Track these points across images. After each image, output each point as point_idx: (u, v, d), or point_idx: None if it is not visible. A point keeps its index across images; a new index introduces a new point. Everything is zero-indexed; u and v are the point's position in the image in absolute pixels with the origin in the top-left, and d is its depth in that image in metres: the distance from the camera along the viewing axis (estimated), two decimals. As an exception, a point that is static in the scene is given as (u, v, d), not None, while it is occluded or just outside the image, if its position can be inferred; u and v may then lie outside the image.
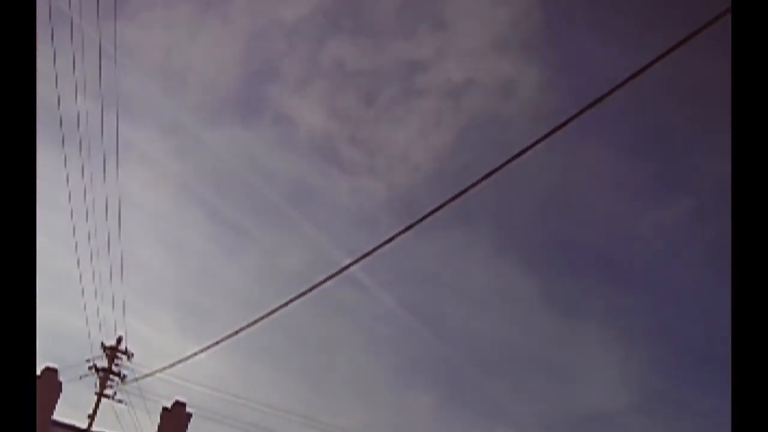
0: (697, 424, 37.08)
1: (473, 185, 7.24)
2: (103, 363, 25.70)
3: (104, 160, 19.27)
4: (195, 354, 13.63)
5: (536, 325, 39.78)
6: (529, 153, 7.79)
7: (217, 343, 12.38)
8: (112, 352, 25.67)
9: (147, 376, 25.04)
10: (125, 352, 25.81)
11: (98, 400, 25.34)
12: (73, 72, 15.40)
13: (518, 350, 39.32)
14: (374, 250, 8.04)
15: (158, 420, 24.93)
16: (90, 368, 25.49)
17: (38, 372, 23.84)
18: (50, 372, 24.39)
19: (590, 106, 6.28)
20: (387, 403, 39.06)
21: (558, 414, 37.34)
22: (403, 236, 8.43)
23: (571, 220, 39.86)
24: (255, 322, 10.95)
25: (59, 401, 24.78)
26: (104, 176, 19.87)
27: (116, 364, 25.73)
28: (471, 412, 39.08)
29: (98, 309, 24.19)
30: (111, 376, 25.56)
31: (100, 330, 25.21)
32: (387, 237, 7.77)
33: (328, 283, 10.22)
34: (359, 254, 8.79)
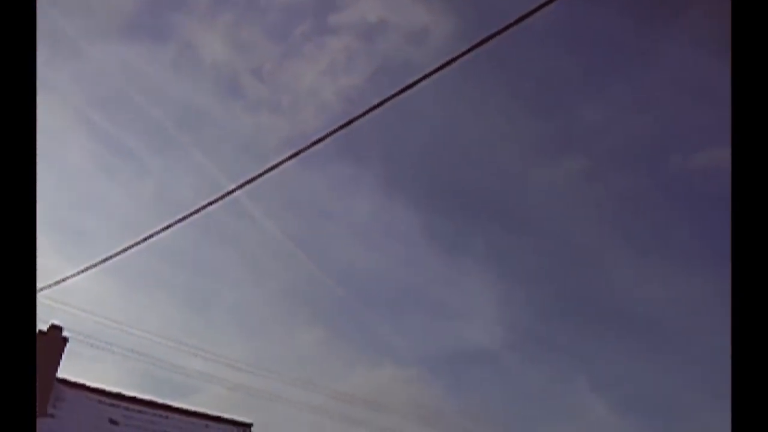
0: (564, 364, 39.46)
1: (362, 115, 7.28)
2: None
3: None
4: (72, 276, 13.18)
5: (420, 262, 40.75)
6: (420, 90, 7.84)
7: (95, 264, 12.03)
8: (-16, 272, 24.62)
9: (21, 297, 24.15)
10: (-2, 273, 24.81)
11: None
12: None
13: (402, 286, 40.28)
14: (259, 176, 7.98)
15: (32, 343, 24.22)
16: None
17: None
18: None
19: (477, 45, 6.36)
20: (272, 335, 39.34)
21: (438, 350, 38.75)
22: (293, 167, 8.38)
23: (459, 162, 40.63)
24: (136, 244, 10.70)
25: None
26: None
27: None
28: (356, 347, 39.94)
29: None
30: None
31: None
32: (273, 163, 7.75)
33: (215, 208, 10.06)
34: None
